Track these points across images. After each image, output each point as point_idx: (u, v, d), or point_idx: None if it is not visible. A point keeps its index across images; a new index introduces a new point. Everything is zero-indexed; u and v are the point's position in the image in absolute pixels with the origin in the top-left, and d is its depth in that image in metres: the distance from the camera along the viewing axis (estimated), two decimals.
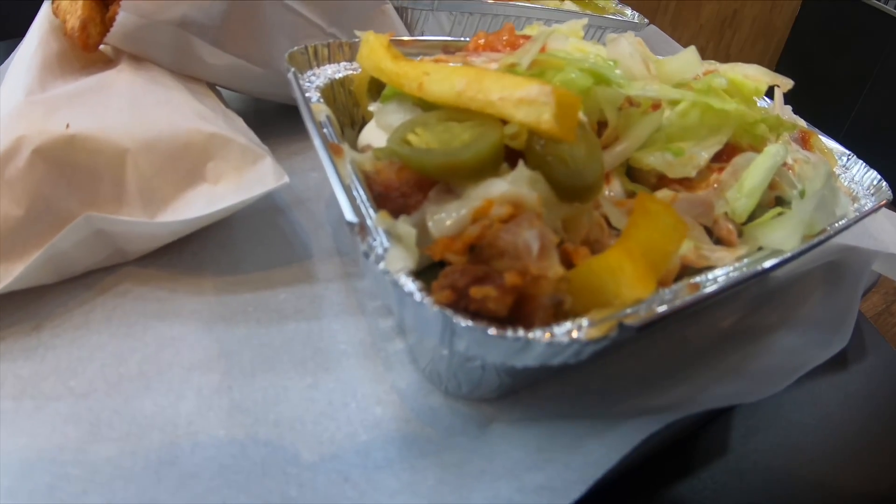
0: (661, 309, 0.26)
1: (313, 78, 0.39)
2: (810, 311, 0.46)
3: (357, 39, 0.38)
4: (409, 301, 0.23)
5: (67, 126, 0.35)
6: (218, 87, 0.49)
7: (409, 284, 0.23)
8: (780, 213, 0.36)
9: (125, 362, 0.34)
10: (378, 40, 0.35)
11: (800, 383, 0.42)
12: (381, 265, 0.24)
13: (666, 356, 0.40)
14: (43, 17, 0.45)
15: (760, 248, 0.35)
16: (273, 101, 0.56)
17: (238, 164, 0.37)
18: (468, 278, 0.24)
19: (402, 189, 0.28)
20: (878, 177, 0.48)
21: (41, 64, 0.40)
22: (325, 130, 0.33)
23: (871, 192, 0.47)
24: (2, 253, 0.34)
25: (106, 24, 0.42)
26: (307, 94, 0.37)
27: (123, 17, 0.40)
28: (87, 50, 0.41)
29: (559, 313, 0.25)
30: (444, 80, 0.29)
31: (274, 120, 0.57)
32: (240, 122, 0.43)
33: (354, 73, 0.41)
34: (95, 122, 0.36)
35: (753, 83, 0.43)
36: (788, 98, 0.47)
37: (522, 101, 0.27)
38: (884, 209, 0.63)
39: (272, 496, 0.28)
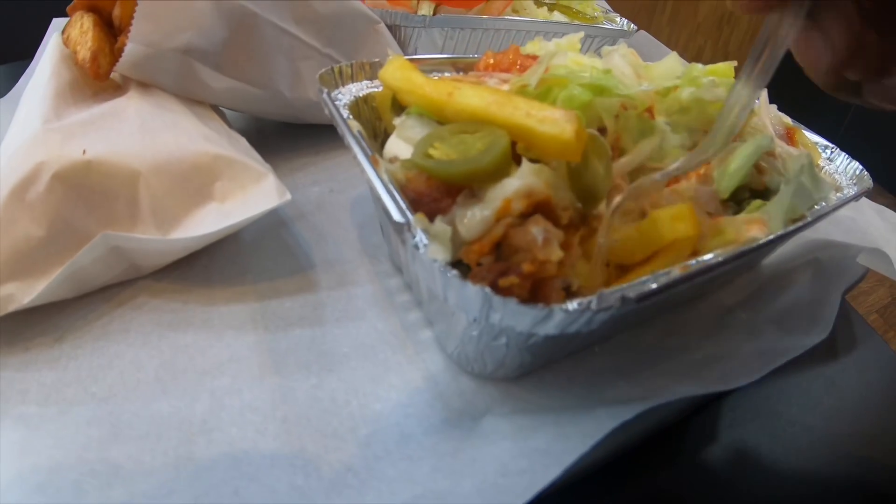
0: (657, 284, 0.29)
1: (340, 96, 0.42)
2: (793, 304, 0.48)
3: (377, 60, 0.43)
4: (455, 283, 0.27)
5: (84, 152, 0.37)
6: (221, 109, 0.51)
7: (453, 270, 0.27)
8: (762, 206, 0.39)
9: (143, 369, 0.36)
10: (402, 59, 0.39)
11: (787, 376, 0.43)
12: (428, 255, 0.28)
13: (650, 349, 0.42)
14: (54, 47, 0.47)
15: None
16: (273, 120, 0.59)
17: (243, 182, 0.40)
18: (495, 273, 0.29)
19: (433, 195, 0.31)
20: (860, 167, 0.50)
21: (55, 93, 0.43)
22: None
23: (854, 181, 0.49)
24: (26, 271, 0.36)
25: (115, 55, 0.44)
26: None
27: (132, 48, 0.42)
28: (99, 79, 0.44)
29: (570, 294, 0.30)
30: (476, 94, 0.33)
31: (274, 138, 0.59)
32: (243, 142, 0.45)
33: (376, 90, 0.44)
34: (109, 148, 0.38)
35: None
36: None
37: (547, 118, 0.31)
38: (875, 205, 0.65)
39: (280, 485, 0.31)
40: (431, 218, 0.30)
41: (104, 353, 0.37)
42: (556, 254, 0.29)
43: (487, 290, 0.26)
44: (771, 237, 0.37)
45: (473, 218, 0.30)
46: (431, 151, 0.32)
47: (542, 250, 0.29)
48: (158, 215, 0.39)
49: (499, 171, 0.31)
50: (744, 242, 0.35)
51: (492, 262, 0.30)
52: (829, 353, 0.47)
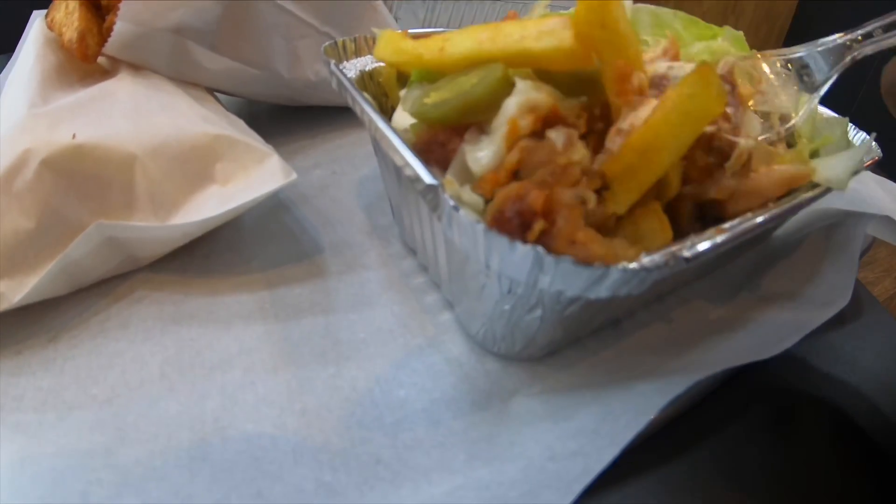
0: (704, 245, 0.28)
1: (346, 70, 0.40)
2: (812, 273, 0.47)
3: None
4: (501, 245, 0.24)
5: (73, 136, 0.35)
6: (215, 93, 0.49)
7: (499, 232, 0.25)
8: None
9: (146, 366, 0.34)
10: (392, 32, 0.36)
11: (806, 359, 0.42)
12: (469, 218, 0.25)
13: (671, 324, 0.40)
14: (37, 31, 0.45)
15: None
16: (266, 103, 0.57)
17: (246, 163, 0.38)
18: (514, 228, 0.26)
19: (439, 139, 0.29)
20: (866, 136, 0.49)
21: (41, 77, 0.40)
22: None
23: (864, 150, 0.48)
24: (15, 267, 0.34)
25: (103, 35, 0.42)
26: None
27: (121, 27, 0.40)
28: (87, 61, 0.41)
29: (597, 222, 0.27)
30: (466, 38, 0.30)
31: (269, 121, 0.57)
32: (241, 123, 0.43)
33: (381, 65, 0.42)
34: (101, 131, 0.36)
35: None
36: None
37: (543, 33, 0.28)
38: (876, 176, 0.64)
39: (307, 482, 0.28)
40: (444, 166, 0.28)
41: (103, 351, 0.35)
42: (580, 152, 0.27)
43: (540, 249, 0.23)
44: (831, 191, 0.36)
45: (482, 149, 0.28)
46: (426, 101, 0.30)
47: (563, 154, 0.27)
48: (156, 201, 0.36)
49: (498, 100, 0.29)
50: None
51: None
52: (848, 337, 0.46)
